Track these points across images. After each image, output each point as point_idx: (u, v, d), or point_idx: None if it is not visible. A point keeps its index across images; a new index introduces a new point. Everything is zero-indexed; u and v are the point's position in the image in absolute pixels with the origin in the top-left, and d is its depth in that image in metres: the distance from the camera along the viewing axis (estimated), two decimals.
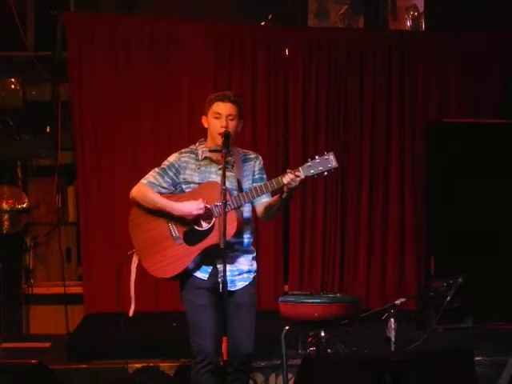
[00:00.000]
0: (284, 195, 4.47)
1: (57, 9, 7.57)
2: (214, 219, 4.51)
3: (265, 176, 4.71)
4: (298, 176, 4.38)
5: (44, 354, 6.29)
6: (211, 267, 4.57)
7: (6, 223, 7.31)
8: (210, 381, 4.54)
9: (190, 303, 4.61)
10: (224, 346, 4.15)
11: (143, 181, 4.69)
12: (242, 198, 4.50)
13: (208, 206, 4.53)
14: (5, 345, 6.74)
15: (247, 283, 4.64)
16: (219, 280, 4.49)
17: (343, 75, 7.76)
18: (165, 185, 4.67)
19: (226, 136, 4.54)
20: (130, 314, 4.76)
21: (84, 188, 7.50)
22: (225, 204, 4.29)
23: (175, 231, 4.59)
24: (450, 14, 7.80)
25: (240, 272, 4.62)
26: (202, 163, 4.66)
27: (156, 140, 7.52)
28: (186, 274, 4.60)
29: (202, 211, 4.52)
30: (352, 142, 7.74)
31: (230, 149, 4.55)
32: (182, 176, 4.68)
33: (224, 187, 4.32)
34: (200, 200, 4.53)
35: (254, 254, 4.73)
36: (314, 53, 7.72)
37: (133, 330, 6.19)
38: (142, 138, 7.55)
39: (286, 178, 4.38)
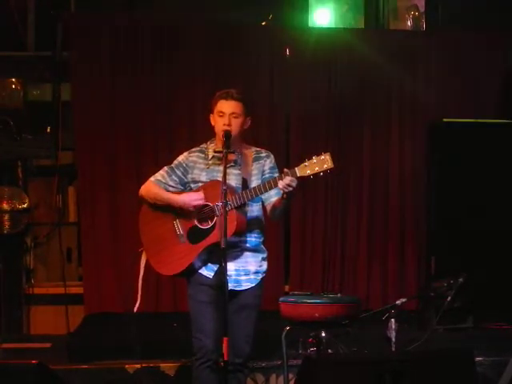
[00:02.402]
0: (284, 197, 4.48)
1: (57, 8, 7.57)
2: (215, 218, 4.52)
3: (276, 174, 4.66)
4: (292, 179, 4.36)
5: (44, 354, 6.28)
6: (217, 265, 4.58)
7: (7, 223, 7.31)
8: (210, 377, 4.56)
9: (193, 299, 4.64)
10: (225, 346, 4.16)
11: (151, 179, 4.75)
12: (241, 197, 4.50)
13: (210, 204, 4.54)
14: (5, 345, 6.75)
15: (253, 284, 4.64)
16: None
17: (343, 75, 7.76)
18: (172, 183, 4.70)
19: (226, 136, 4.55)
20: (135, 309, 4.79)
21: (84, 188, 7.50)
22: (225, 203, 4.30)
23: (179, 229, 4.61)
24: (450, 14, 7.80)
25: (246, 272, 4.62)
26: (210, 163, 4.68)
27: (157, 140, 7.52)
28: (192, 272, 4.62)
29: (201, 202, 4.55)
30: (352, 141, 7.74)
31: (231, 149, 4.55)
32: (190, 175, 4.71)
33: (225, 186, 4.33)
34: (200, 192, 4.56)
35: (265, 255, 4.72)
36: (314, 53, 7.72)
37: (133, 330, 6.22)
38: (142, 138, 7.55)
39: (281, 183, 4.38)
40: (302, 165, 4.40)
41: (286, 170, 4.42)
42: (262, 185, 4.50)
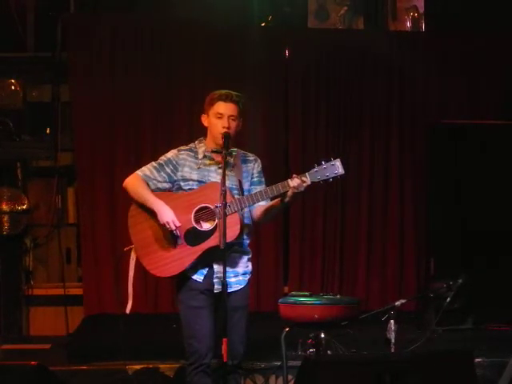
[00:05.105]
0: (287, 199, 4.47)
1: (57, 9, 7.57)
2: (216, 220, 4.49)
3: (263, 179, 4.71)
4: (305, 181, 4.38)
5: (44, 355, 6.30)
6: (207, 268, 4.57)
7: (6, 224, 7.31)
8: (203, 381, 4.54)
9: (185, 305, 4.61)
10: (224, 347, 4.15)
11: (139, 172, 4.68)
12: (246, 201, 4.49)
13: (210, 206, 4.52)
14: (5, 346, 6.75)
15: (243, 286, 4.64)
16: (215, 281, 4.52)
17: (343, 76, 7.77)
18: (160, 179, 4.66)
19: (226, 137, 4.53)
20: (127, 310, 4.76)
21: (84, 189, 7.51)
22: (225, 205, 4.28)
23: (176, 230, 4.57)
24: (450, 15, 7.79)
25: (235, 274, 4.62)
26: (201, 162, 4.66)
27: (156, 141, 7.52)
28: (182, 276, 4.59)
29: (169, 227, 4.50)
30: (352, 142, 7.74)
31: (230, 150, 4.56)
32: (179, 173, 4.66)
33: (224, 188, 4.31)
34: (177, 222, 4.50)
35: (250, 255, 4.72)
36: (313, 54, 7.73)
37: (133, 331, 6.21)
38: (142, 139, 7.56)
39: (293, 182, 4.38)
40: (313, 170, 4.41)
41: (295, 175, 4.42)
42: (270, 188, 4.47)
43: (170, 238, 4.58)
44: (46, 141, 7.61)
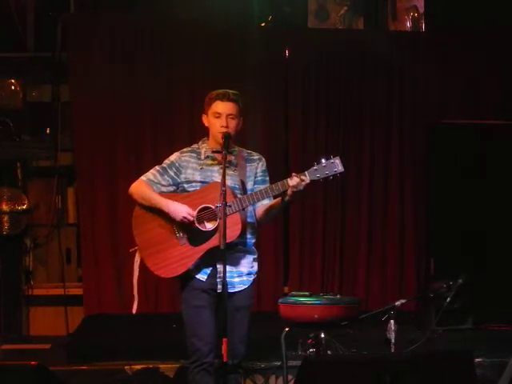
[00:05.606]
0: (287, 198, 4.47)
1: (57, 10, 7.57)
2: (217, 220, 4.48)
3: (267, 178, 4.70)
4: (304, 180, 4.38)
5: (44, 355, 6.29)
6: (210, 268, 4.56)
7: (6, 224, 7.31)
8: (204, 380, 4.54)
9: (187, 304, 4.61)
10: (224, 347, 4.15)
11: (143, 178, 4.69)
12: (246, 200, 4.48)
13: (212, 206, 4.52)
14: (5, 346, 6.75)
15: (246, 286, 4.63)
16: (217, 280, 4.51)
17: (343, 76, 7.77)
18: (164, 183, 4.66)
19: (225, 137, 4.53)
20: (134, 310, 4.77)
21: (84, 189, 7.52)
22: (224, 205, 4.28)
23: (179, 231, 4.57)
24: (450, 15, 7.79)
25: (239, 274, 4.61)
26: (204, 162, 4.65)
27: (156, 141, 7.53)
28: (185, 275, 4.59)
29: (188, 220, 4.50)
30: (352, 142, 7.74)
31: (230, 149, 4.57)
32: (183, 175, 4.66)
33: (224, 188, 4.31)
34: (194, 212, 4.51)
35: (256, 255, 4.71)
36: (313, 54, 7.73)
37: (133, 331, 6.21)
38: (142, 139, 7.56)
39: (293, 181, 4.38)
40: (312, 169, 4.41)
41: (294, 174, 4.42)
42: (270, 188, 4.47)
43: (173, 238, 4.59)
44: (46, 141, 7.61)
